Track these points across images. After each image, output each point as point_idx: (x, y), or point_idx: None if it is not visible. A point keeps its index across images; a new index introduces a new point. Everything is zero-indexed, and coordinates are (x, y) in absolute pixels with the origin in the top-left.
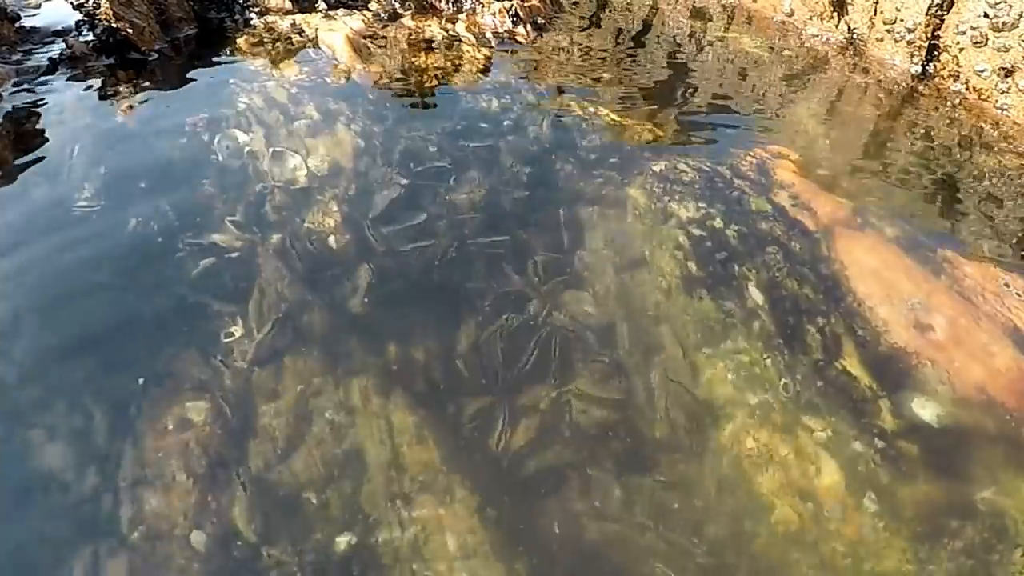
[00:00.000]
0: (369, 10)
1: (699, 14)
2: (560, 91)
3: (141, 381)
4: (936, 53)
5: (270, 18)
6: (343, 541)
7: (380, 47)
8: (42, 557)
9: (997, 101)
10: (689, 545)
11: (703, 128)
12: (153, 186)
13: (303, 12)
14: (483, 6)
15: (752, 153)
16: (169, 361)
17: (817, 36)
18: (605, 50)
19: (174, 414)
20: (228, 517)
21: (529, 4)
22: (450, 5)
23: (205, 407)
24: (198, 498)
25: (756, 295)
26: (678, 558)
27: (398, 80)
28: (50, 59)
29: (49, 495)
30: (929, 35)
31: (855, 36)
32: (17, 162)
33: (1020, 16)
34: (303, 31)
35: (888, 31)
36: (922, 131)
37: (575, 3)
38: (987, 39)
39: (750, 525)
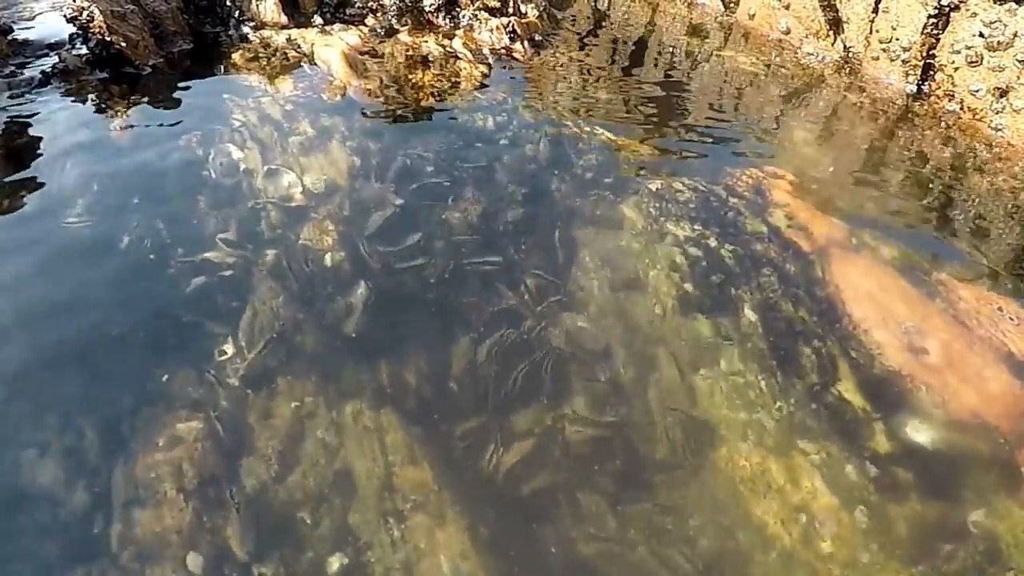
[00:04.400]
0: (365, 25)
1: (696, 31)
2: (556, 109)
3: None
4: (931, 72)
5: (265, 33)
6: (336, 561)
7: (376, 63)
8: None
9: (992, 121)
10: (683, 565)
11: (699, 147)
12: (146, 202)
13: (299, 27)
14: (480, 22)
15: (748, 173)
16: (162, 380)
17: (813, 54)
18: (602, 67)
19: (167, 433)
20: (221, 537)
21: (526, 21)
22: (447, 21)
23: (198, 426)
24: (191, 517)
25: (751, 317)
26: None
27: (394, 96)
28: (43, 72)
29: (40, 514)
30: (924, 54)
31: (851, 55)
32: (9, 176)
33: (1015, 36)
34: (299, 46)
35: (884, 50)
36: (917, 151)
37: (572, 20)
38: (982, 58)
39: (745, 546)
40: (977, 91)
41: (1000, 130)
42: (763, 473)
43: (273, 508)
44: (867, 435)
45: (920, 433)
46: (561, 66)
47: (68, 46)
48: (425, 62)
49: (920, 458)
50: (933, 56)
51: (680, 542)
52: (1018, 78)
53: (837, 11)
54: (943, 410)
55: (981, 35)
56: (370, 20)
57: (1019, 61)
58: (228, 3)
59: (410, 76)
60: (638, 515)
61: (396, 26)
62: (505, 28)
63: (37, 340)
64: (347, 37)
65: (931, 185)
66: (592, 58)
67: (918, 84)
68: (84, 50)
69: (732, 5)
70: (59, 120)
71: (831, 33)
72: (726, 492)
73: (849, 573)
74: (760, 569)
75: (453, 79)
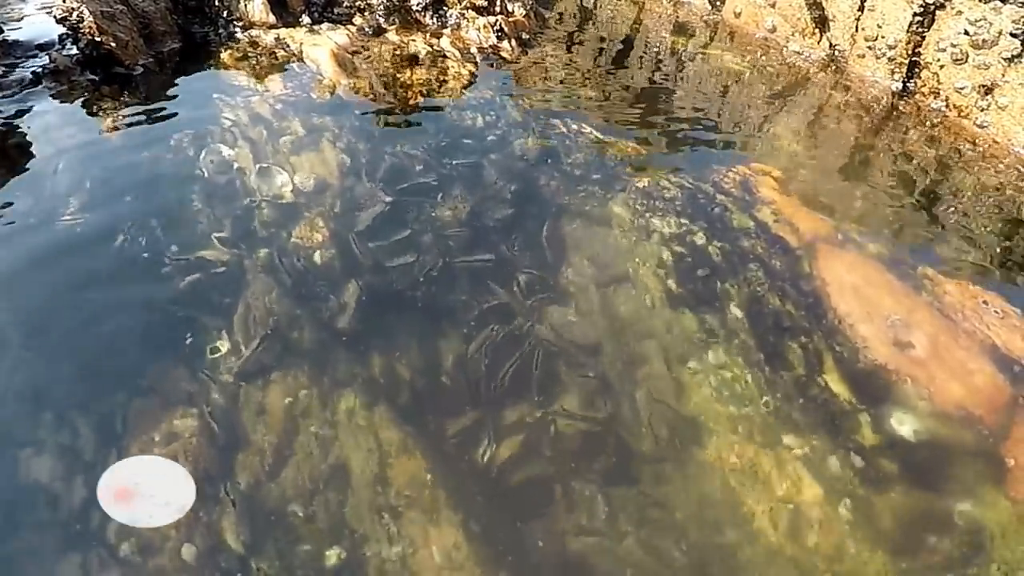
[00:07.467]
0: (353, 25)
1: (682, 29)
2: (544, 107)
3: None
4: (917, 70)
5: (254, 32)
6: (331, 554)
7: (365, 62)
8: (31, 570)
9: (977, 118)
10: (672, 558)
11: (686, 144)
12: (139, 201)
13: (287, 27)
14: (468, 21)
15: (734, 170)
16: (156, 376)
17: (799, 52)
18: (589, 66)
19: (162, 429)
20: (216, 531)
21: (514, 19)
22: (435, 20)
23: (192, 422)
24: (186, 512)
25: (738, 312)
26: (661, 571)
27: (383, 95)
28: (34, 73)
29: (37, 508)
30: (910, 52)
31: (836, 53)
32: (1, 176)
33: (1000, 34)
34: (288, 46)
35: (869, 48)
36: (903, 148)
37: (559, 18)
38: (967, 56)
39: (732, 538)
40: (962, 88)
41: (985, 127)
42: (750, 466)
43: (268, 502)
44: (853, 428)
45: (905, 425)
46: (548, 64)
47: (58, 47)
48: (413, 61)
49: (905, 450)
50: (918, 54)
51: (668, 534)
52: (1003, 75)
53: (823, 9)
54: (928, 402)
55: (966, 33)
56: (358, 19)
57: (1004, 59)
58: (216, 3)
59: (398, 75)
60: (627, 508)
61: (384, 25)
62: (492, 27)
63: (31, 337)
64: (335, 36)
65: (916, 181)
66: (579, 56)
67: (904, 82)
68: (74, 50)
69: (718, 3)
70: (50, 120)
71: (817, 31)
72: (713, 485)
73: (835, 565)
74: (747, 561)
75: (441, 78)
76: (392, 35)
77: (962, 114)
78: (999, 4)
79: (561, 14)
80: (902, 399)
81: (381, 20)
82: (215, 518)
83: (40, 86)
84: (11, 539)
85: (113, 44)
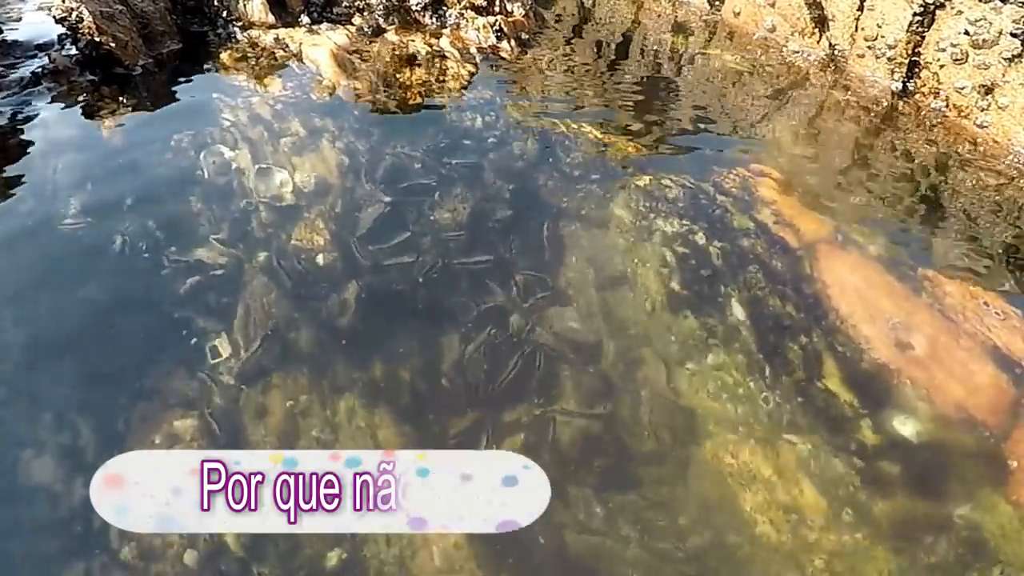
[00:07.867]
0: (353, 25)
1: (680, 29)
2: (543, 107)
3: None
4: (917, 70)
5: (253, 32)
6: (332, 557)
7: (364, 62)
8: (33, 573)
9: (977, 119)
10: (672, 559)
11: (686, 145)
12: (139, 202)
13: (286, 27)
14: (467, 21)
15: (735, 171)
16: (157, 378)
17: (798, 52)
18: (588, 65)
19: (162, 431)
20: (218, 533)
21: (513, 19)
22: (434, 20)
23: (193, 424)
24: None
25: (739, 312)
26: (661, 571)
27: (382, 96)
28: (33, 73)
29: (38, 510)
30: (910, 52)
31: (836, 52)
32: (1, 177)
33: (1000, 33)
34: (287, 46)
35: (869, 47)
36: (903, 149)
37: (558, 18)
38: (967, 56)
39: (733, 540)
40: (962, 88)
41: (985, 127)
42: (750, 467)
43: None
44: (854, 429)
45: (906, 427)
46: (548, 64)
47: (57, 47)
48: (413, 61)
49: (906, 451)
50: (918, 54)
51: (669, 535)
52: (1003, 75)
53: (822, 9)
54: (929, 404)
55: (966, 33)
56: (357, 19)
57: (1004, 59)
58: (215, 3)
59: (398, 75)
60: (627, 509)
61: (383, 25)
62: (492, 27)
63: (33, 339)
64: (335, 36)
65: (917, 182)
66: (578, 56)
67: (904, 82)
68: (73, 51)
69: (717, 3)
70: (50, 121)
71: (816, 31)
72: (714, 486)
73: (835, 565)
74: (747, 560)
75: (440, 78)
76: (391, 35)
77: (962, 114)
78: (999, 4)
79: (560, 14)
80: (903, 401)
81: (380, 20)
82: None
83: (39, 86)
84: (13, 541)
85: (112, 44)
